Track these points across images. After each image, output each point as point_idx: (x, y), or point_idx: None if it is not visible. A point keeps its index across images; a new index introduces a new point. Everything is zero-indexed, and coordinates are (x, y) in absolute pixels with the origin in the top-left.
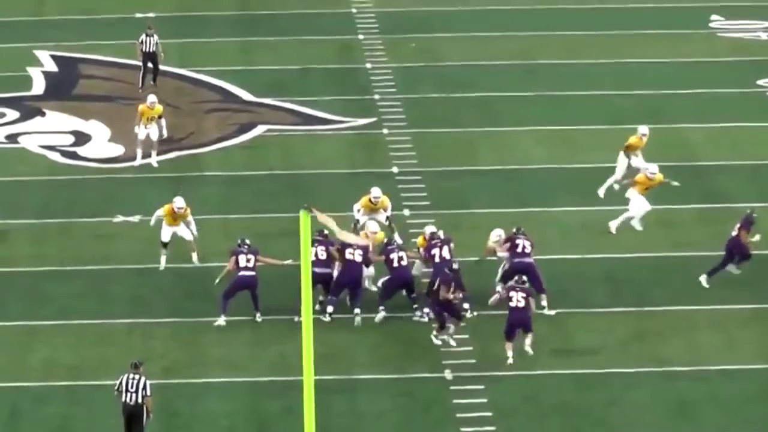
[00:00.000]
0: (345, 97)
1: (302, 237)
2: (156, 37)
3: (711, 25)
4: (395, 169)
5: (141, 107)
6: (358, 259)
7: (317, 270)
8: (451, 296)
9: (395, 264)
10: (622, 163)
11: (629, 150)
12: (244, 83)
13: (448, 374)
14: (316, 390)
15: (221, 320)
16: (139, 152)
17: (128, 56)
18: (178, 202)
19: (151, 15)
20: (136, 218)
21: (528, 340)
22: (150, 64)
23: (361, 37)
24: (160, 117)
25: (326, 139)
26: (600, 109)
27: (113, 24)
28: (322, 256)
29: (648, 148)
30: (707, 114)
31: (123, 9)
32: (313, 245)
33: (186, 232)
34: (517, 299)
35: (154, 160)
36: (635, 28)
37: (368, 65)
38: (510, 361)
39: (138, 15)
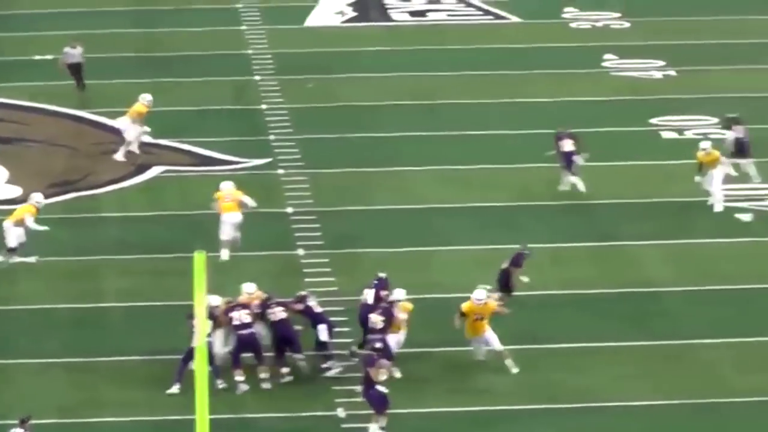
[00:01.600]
0: (241, 137)
1: (196, 277)
2: (80, 48)
3: (604, 64)
4: (290, 209)
5: (138, 106)
6: (246, 319)
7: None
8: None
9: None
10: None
11: (704, 168)
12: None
13: (340, 412)
14: (210, 430)
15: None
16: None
17: (28, 98)
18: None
19: (49, 57)
20: (32, 259)
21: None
22: (74, 75)
23: (257, 78)
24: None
25: (222, 179)
26: (496, 148)
27: (11, 66)
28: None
29: (542, 188)
30: (600, 152)
31: (22, 51)
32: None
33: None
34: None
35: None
36: (531, 67)
37: (264, 106)
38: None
39: (36, 57)
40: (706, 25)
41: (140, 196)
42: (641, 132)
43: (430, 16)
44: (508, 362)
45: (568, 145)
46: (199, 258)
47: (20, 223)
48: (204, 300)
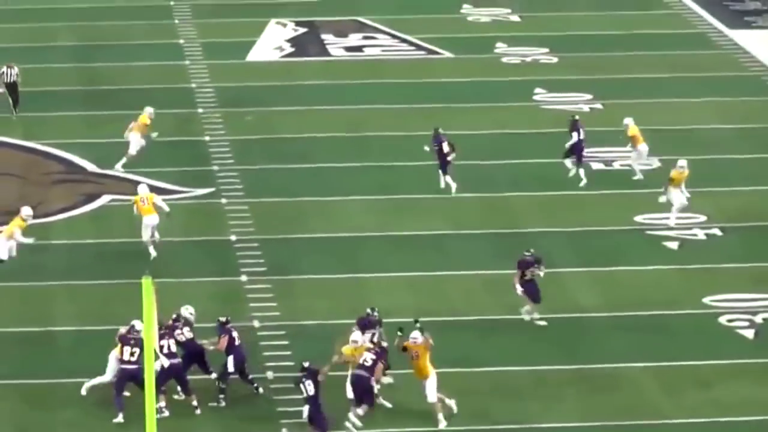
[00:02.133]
0: (185, 168)
1: (144, 303)
2: (16, 68)
3: (535, 97)
4: (233, 237)
5: (143, 118)
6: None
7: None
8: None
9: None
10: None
11: (672, 184)
12: (89, 155)
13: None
14: None
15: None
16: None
17: None
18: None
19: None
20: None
21: None
22: (11, 94)
23: (200, 110)
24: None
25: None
26: (429, 179)
27: None
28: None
29: (474, 215)
30: (532, 183)
31: None
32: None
33: None
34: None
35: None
36: (463, 101)
37: (207, 137)
38: None
39: None
40: (633, 60)
41: (89, 223)
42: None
43: (366, 51)
44: (439, 416)
45: (446, 147)
46: (147, 284)
47: (11, 237)
48: (153, 325)
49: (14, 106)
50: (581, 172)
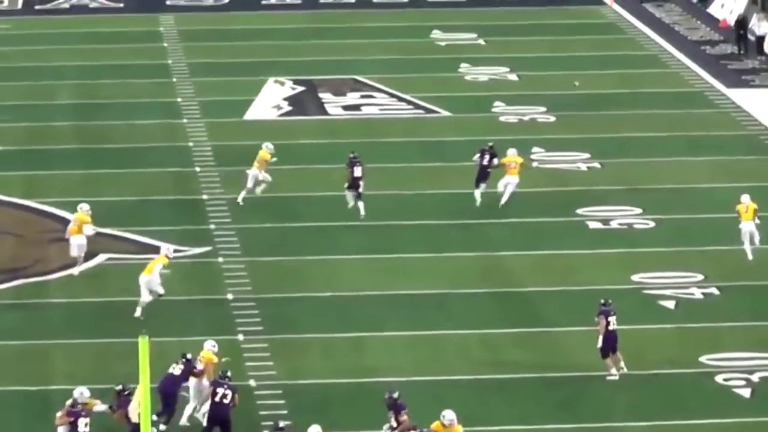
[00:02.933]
0: (182, 226)
1: (141, 361)
2: None
3: (532, 156)
4: (230, 296)
5: (263, 153)
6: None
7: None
8: None
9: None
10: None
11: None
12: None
13: None
14: None
15: None
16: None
17: None
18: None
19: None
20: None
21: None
22: None
23: (197, 169)
24: None
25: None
26: (427, 237)
27: None
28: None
29: (472, 274)
30: (529, 242)
31: None
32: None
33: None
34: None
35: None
36: (460, 159)
37: (205, 196)
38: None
39: None
40: (631, 119)
41: (86, 282)
42: (568, 222)
43: (364, 110)
44: None
45: (358, 171)
46: (143, 342)
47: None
48: (147, 383)
49: None
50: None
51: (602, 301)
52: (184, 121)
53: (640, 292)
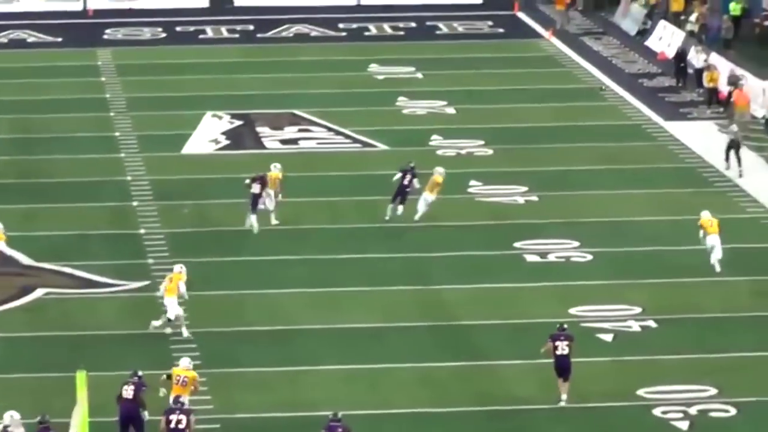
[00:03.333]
0: (120, 261)
1: (79, 395)
2: None
3: (469, 190)
4: (168, 330)
5: (274, 174)
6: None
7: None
8: None
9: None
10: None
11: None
12: (24, 248)
13: None
14: None
15: None
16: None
17: None
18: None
19: None
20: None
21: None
22: None
23: (135, 203)
24: None
25: (103, 301)
26: (365, 271)
27: None
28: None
29: (409, 308)
30: (467, 275)
31: None
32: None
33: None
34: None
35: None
36: (388, 192)
37: (142, 231)
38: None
39: None
40: (569, 152)
41: (23, 316)
42: (506, 255)
43: (301, 144)
44: None
45: (256, 188)
46: (81, 377)
47: None
48: (86, 417)
49: None
50: (400, 208)
51: (558, 325)
52: (122, 155)
53: (577, 325)
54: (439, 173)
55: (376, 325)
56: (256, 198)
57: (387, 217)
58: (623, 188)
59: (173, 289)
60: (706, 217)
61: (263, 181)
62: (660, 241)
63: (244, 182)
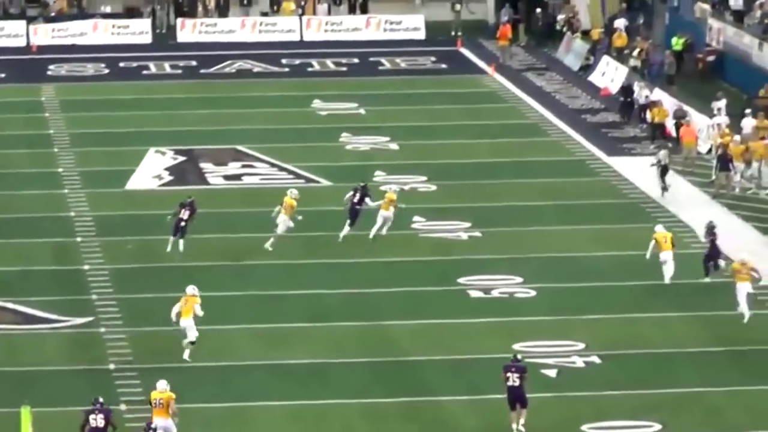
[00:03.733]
0: (64, 297)
1: (23, 431)
2: None
3: (413, 226)
4: (112, 366)
5: (288, 200)
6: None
7: None
8: None
9: None
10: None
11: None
12: None
13: None
14: None
15: None
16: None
17: None
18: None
19: None
20: None
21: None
22: None
23: (79, 239)
24: None
25: (46, 337)
26: (310, 307)
27: None
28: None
29: (354, 343)
30: (411, 310)
31: None
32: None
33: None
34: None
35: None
36: (339, 229)
37: (86, 267)
38: None
39: None
40: (512, 188)
41: None
42: (450, 291)
43: (245, 179)
44: None
45: (185, 214)
46: (25, 413)
47: None
48: None
49: None
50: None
51: (512, 356)
52: (66, 191)
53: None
54: (392, 190)
55: (321, 360)
56: (179, 222)
57: (340, 239)
58: (566, 224)
59: (189, 311)
60: (660, 231)
61: (192, 208)
62: (603, 277)
63: (175, 208)
